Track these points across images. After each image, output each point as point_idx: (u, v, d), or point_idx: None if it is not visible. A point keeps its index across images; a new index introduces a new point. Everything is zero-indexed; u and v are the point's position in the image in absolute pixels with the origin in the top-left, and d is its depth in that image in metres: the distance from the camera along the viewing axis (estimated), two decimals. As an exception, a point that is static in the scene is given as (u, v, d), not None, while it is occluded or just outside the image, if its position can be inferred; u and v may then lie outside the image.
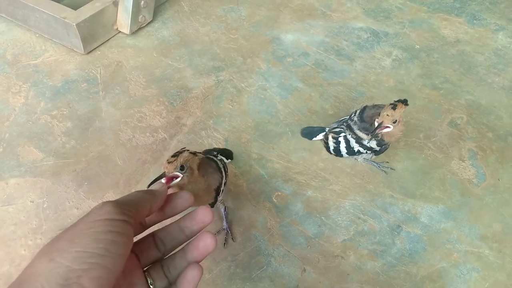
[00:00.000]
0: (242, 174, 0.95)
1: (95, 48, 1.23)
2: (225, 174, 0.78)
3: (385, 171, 0.97)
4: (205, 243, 0.41)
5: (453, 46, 1.34)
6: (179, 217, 0.44)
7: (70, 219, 0.85)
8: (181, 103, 1.10)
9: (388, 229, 0.88)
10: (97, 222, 0.32)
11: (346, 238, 0.86)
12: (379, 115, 0.82)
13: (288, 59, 1.26)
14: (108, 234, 0.32)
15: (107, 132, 1.01)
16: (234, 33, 1.34)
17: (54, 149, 0.97)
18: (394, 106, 0.79)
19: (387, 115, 0.80)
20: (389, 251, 0.84)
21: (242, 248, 0.83)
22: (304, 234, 0.86)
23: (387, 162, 0.99)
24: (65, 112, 1.05)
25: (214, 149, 0.92)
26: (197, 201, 0.68)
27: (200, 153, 0.64)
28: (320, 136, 0.99)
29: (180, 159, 0.61)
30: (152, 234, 0.42)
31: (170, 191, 0.44)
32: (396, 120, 0.80)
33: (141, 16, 1.27)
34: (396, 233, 0.87)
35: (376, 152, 0.91)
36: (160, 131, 1.03)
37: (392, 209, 0.91)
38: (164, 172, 0.60)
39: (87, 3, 1.19)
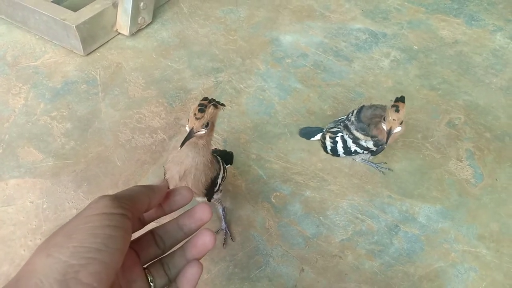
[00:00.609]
0: (241, 175, 0.96)
1: (94, 50, 1.24)
2: (224, 170, 0.78)
3: (382, 172, 0.97)
4: (204, 241, 0.40)
5: (451, 47, 1.35)
6: (177, 214, 0.44)
7: (69, 219, 0.85)
8: (180, 104, 1.10)
9: (386, 229, 0.88)
10: (94, 217, 0.32)
11: (344, 238, 0.86)
12: (382, 118, 0.82)
13: (287, 60, 1.26)
14: (105, 229, 0.32)
15: (106, 133, 1.02)
16: (233, 34, 1.34)
17: (53, 150, 0.97)
18: (396, 109, 0.79)
19: (394, 119, 0.79)
20: (387, 251, 0.85)
21: (240, 248, 0.83)
22: (303, 234, 0.86)
23: (385, 162, 0.99)
24: (64, 113, 1.06)
25: (215, 150, 0.92)
26: (194, 178, 0.66)
27: (219, 102, 0.63)
28: (318, 136, 1.00)
29: (208, 116, 0.60)
30: (151, 232, 0.42)
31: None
32: (402, 121, 0.80)
33: (140, 17, 1.27)
34: (394, 233, 0.87)
35: (373, 153, 0.91)
36: (159, 132, 1.03)
37: (390, 209, 0.91)
38: (192, 128, 0.60)
39: (87, 4, 1.19)
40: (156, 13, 1.37)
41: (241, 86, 1.17)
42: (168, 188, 0.42)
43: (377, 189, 0.95)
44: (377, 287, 0.79)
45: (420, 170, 0.99)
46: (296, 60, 1.26)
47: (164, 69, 1.20)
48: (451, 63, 1.28)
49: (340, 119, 0.96)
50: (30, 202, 0.88)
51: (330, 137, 0.94)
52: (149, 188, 0.39)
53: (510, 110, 1.14)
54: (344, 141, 0.91)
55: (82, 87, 1.13)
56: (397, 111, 0.79)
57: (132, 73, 1.18)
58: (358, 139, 0.89)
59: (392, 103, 0.81)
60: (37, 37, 1.27)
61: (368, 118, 0.87)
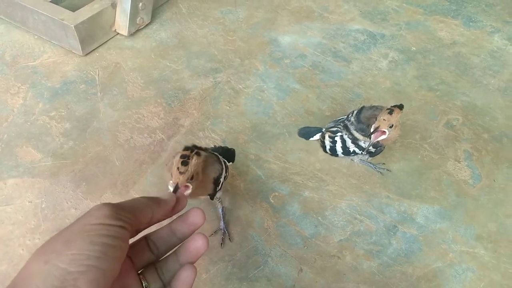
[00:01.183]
0: (240, 175, 0.96)
1: (93, 50, 1.24)
2: (226, 169, 0.78)
3: (381, 172, 0.98)
4: (196, 245, 0.40)
5: (449, 48, 1.35)
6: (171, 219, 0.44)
7: (68, 219, 0.85)
8: (178, 104, 1.10)
9: (384, 229, 0.88)
10: (93, 226, 0.32)
11: (342, 238, 0.86)
12: (376, 119, 0.82)
13: (286, 60, 1.27)
14: (103, 238, 0.32)
15: (105, 133, 1.02)
16: (231, 35, 1.34)
17: (52, 150, 0.97)
18: (390, 111, 0.80)
19: (384, 119, 0.80)
20: (385, 251, 0.85)
21: (239, 248, 0.83)
22: (301, 234, 0.86)
23: (383, 163, 1.00)
24: (63, 113, 1.06)
25: (218, 148, 0.92)
26: (196, 193, 0.66)
27: (202, 149, 0.61)
28: (317, 136, 1.00)
29: (191, 169, 0.57)
30: (145, 237, 0.42)
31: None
32: (392, 125, 0.80)
33: (139, 18, 1.27)
34: (392, 233, 0.88)
35: (371, 154, 0.91)
36: (158, 132, 1.03)
37: (388, 210, 0.92)
38: (177, 184, 0.57)
39: (86, 4, 1.19)
40: (154, 13, 1.37)
41: (240, 86, 1.17)
42: (174, 203, 0.41)
43: (375, 189, 0.95)
44: (375, 287, 0.80)
45: (418, 171, 0.99)
46: (295, 61, 1.27)
47: (163, 69, 1.20)
48: (449, 64, 1.29)
49: (340, 119, 0.97)
50: (28, 202, 0.88)
51: (330, 137, 0.94)
52: (155, 202, 0.39)
53: (508, 111, 1.15)
54: (343, 141, 0.91)
55: (81, 87, 1.13)
56: (390, 113, 0.79)
57: (131, 73, 1.18)
58: (357, 139, 0.89)
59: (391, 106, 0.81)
60: (35, 37, 1.27)
61: (367, 118, 0.87)
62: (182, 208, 0.42)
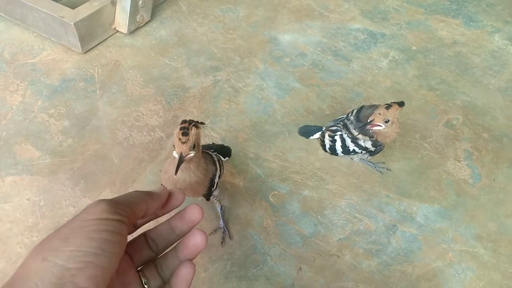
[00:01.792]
0: (239, 173, 0.95)
1: (93, 47, 1.23)
2: (220, 168, 0.78)
3: (381, 172, 0.97)
4: (195, 241, 0.40)
5: (449, 47, 1.35)
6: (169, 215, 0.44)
7: (66, 217, 0.85)
8: (178, 102, 1.10)
9: (383, 228, 0.88)
10: (91, 221, 0.32)
11: (342, 237, 0.86)
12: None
13: (285, 59, 1.26)
14: (102, 233, 0.32)
15: (104, 131, 1.02)
16: (231, 33, 1.34)
17: (51, 148, 0.97)
18: (388, 106, 0.80)
19: (379, 113, 0.80)
20: (384, 250, 0.85)
21: (238, 247, 0.83)
22: (300, 233, 0.86)
23: (383, 162, 0.99)
24: (62, 111, 1.05)
25: (212, 145, 0.93)
26: (192, 189, 0.69)
27: (198, 122, 0.64)
28: (317, 135, 1.00)
29: (192, 138, 0.61)
30: (144, 234, 0.41)
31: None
32: (388, 120, 0.80)
33: (139, 15, 1.27)
34: (391, 232, 0.87)
35: (371, 153, 0.91)
36: (157, 130, 1.03)
37: (388, 209, 0.91)
38: (181, 153, 0.61)
39: (85, 2, 1.19)
40: (154, 11, 1.37)
41: (240, 85, 1.17)
42: (167, 196, 0.41)
43: (375, 188, 0.95)
44: (375, 287, 0.79)
45: (418, 170, 0.99)
46: (295, 60, 1.26)
47: (163, 67, 1.20)
48: (450, 64, 1.29)
49: (340, 118, 0.96)
50: (27, 200, 0.87)
51: (329, 136, 0.94)
52: (149, 195, 0.39)
53: (508, 111, 1.14)
54: (343, 140, 0.91)
55: (80, 84, 1.13)
56: (387, 108, 0.79)
57: (130, 71, 1.18)
58: (357, 138, 0.89)
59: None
60: (35, 34, 1.26)
61: (367, 117, 0.87)
62: (180, 203, 0.42)
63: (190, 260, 0.41)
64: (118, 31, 1.29)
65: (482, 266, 0.83)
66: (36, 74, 1.15)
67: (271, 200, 0.91)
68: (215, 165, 0.75)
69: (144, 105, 1.08)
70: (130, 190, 0.90)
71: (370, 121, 0.82)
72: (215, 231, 0.84)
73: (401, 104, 0.80)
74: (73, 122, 1.03)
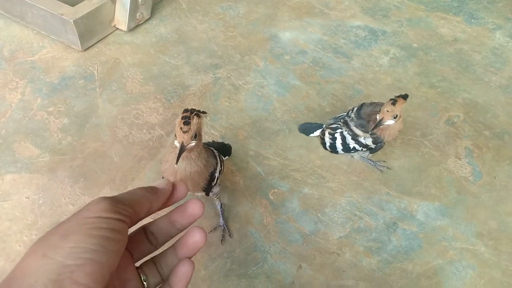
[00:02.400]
0: (239, 171, 0.95)
1: (92, 45, 1.23)
2: (221, 163, 0.78)
3: (381, 170, 0.97)
4: (194, 239, 0.40)
5: (450, 44, 1.34)
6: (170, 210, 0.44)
7: (65, 215, 0.85)
8: (178, 100, 1.10)
9: (384, 226, 0.88)
10: (91, 219, 0.32)
11: (342, 235, 0.86)
12: (379, 112, 0.82)
13: (286, 56, 1.26)
14: (102, 231, 0.31)
15: (103, 129, 1.01)
16: (232, 30, 1.34)
17: (50, 146, 0.97)
18: (394, 102, 0.79)
19: (387, 110, 0.80)
20: (385, 248, 0.84)
21: (238, 245, 0.83)
22: (300, 231, 0.86)
23: (384, 161, 0.99)
24: (61, 109, 1.05)
25: (213, 143, 0.92)
26: (192, 180, 0.68)
27: (200, 111, 0.63)
28: (317, 132, 0.99)
29: (194, 127, 0.61)
30: (143, 228, 0.41)
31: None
32: (396, 115, 0.80)
33: (139, 13, 1.26)
34: (392, 230, 0.87)
35: (371, 150, 0.91)
36: (157, 128, 1.02)
37: (388, 207, 0.91)
38: (182, 143, 0.60)
39: (85, -1, 1.19)
40: (154, 8, 1.36)
41: (240, 82, 1.16)
42: (171, 190, 0.41)
43: (376, 186, 0.94)
44: (375, 284, 0.79)
45: (418, 168, 0.99)
46: (295, 57, 1.26)
47: (162, 65, 1.19)
48: (451, 61, 1.28)
49: (340, 115, 0.96)
50: (26, 198, 0.87)
51: (329, 133, 0.94)
52: (153, 192, 0.38)
53: (509, 108, 1.14)
54: (343, 138, 0.91)
55: (80, 82, 1.12)
56: (394, 104, 0.79)
57: (130, 69, 1.17)
58: (357, 135, 0.88)
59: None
60: (34, 31, 1.26)
61: (368, 115, 0.87)
62: (183, 197, 0.42)
63: (189, 258, 0.40)
64: (117, 28, 1.28)
65: (483, 264, 0.83)
66: (36, 71, 1.14)
67: (271, 198, 0.91)
68: (216, 159, 0.75)
69: (144, 103, 1.08)
70: (130, 188, 0.90)
71: (380, 121, 0.81)
72: (215, 229, 0.84)
73: (405, 97, 0.80)
74: (73, 120, 1.03)
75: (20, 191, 0.88)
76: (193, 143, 0.62)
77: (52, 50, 1.21)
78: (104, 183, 0.90)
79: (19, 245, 0.80)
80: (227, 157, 0.94)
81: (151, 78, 1.15)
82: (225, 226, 0.84)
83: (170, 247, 0.41)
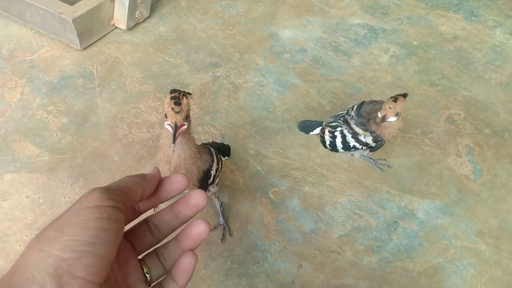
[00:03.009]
0: (239, 170, 0.95)
1: (91, 44, 1.23)
2: (218, 161, 0.77)
3: (381, 168, 0.97)
4: (198, 230, 0.40)
5: (450, 42, 1.34)
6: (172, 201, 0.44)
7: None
8: (177, 99, 1.09)
9: (384, 224, 0.88)
10: (85, 210, 0.32)
11: (342, 233, 0.86)
12: (379, 110, 0.82)
13: (286, 55, 1.25)
14: (97, 221, 0.31)
15: (103, 128, 1.01)
16: (231, 29, 1.33)
17: (50, 145, 0.97)
18: (395, 99, 0.80)
19: (389, 107, 0.80)
20: (385, 247, 0.84)
21: (238, 244, 0.83)
22: (301, 230, 0.86)
23: (384, 159, 0.99)
24: (61, 108, 1.05)
25: (212, 143, 0.92)
26: (186, 167, 0.67)
27: (186, 92, 0.63)
28: (317, 130, 0.99)
29: (185, 108, 0.60)
30: (146, 220, 0.41)
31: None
32: (398, 113, 0.80)
33: (138, 11, 1.26)
34: (392, 228, 0.87)
35: (371, 148, 0.90)
36: (156, 127, 1.02)
37: (389, 205, 0.91)
38: (175, 122, 0.60)
39: (84, -2, 1.18)
40: (153, 7, 1.36)
41: (239, 81, 1.16)
42: (160, 175, 0.41)
43: (376, 184, 0.94)
44: (375, 283, 0.79)
45: (419, 166, 0.98)
46: (295, 55, 1.25)
47: (162, 63, 1.19)
48: (451, 59, 1.28)
49: (340, 114, 0.96)
50: (26, 197, 0.87)
51: (329, 132, 0.93)
52: (141, 177, 0.38)
53: (509, 106, 1.14)
54: (343, 136, 0.91)
55: (79, 81, 1.12)
56: (395, 101, 0.79)
57: (129, 68, 1.17)
58: (358, 134, 0.88)
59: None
60: (33, 31, 1.25)
61: (368, 113, 0.86)
62: (185, 188, 0.41)
63: (192, 250, 0.40)
64: (117, 27, 1.28)
65: (484, 262, 0.83)
66: (35, 71, 1.14)
67: (271, 196, 0.91)
68: (212, 156, 0.74)
69: (143, 102, 1.08)
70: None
71: (384, 117, 0.81)
72: (215, 228, 0.84)
73: (405, 95, 0.81)
74: (72, 119, 1.02)
75: (20, 190, 0.88)
76: (185, 125, 0.61)
77: (51, 49, 1.21)
78: (104, 182, 0.90)
79: (19, 245, 0.80)
80: (226, 157, 0.93)
81: (150, 77, 1.15)
82: (225, 225, 0.84)
83: (173, 238, 0.41)
